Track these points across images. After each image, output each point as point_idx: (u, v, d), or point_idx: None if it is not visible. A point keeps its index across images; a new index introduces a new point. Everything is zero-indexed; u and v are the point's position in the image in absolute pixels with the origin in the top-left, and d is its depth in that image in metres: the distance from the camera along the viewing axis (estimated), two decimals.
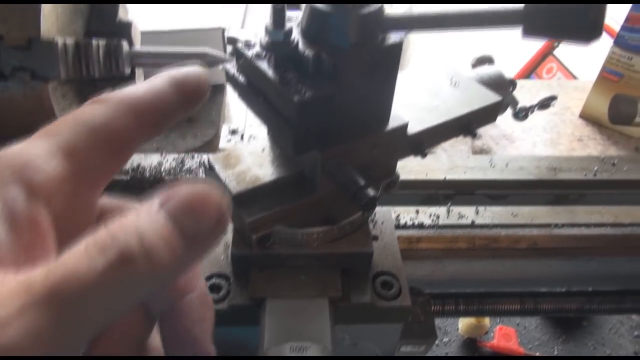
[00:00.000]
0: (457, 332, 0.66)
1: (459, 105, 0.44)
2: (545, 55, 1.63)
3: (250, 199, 0.37)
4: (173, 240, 0.19)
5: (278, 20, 0.32)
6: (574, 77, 1.57)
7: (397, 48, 0.35)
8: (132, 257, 0.18)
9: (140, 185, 0.51)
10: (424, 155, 0.42)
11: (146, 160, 0.53)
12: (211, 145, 0.64)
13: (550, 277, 0.50)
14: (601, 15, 0.27)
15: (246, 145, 0.41)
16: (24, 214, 0.21)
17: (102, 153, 0.25)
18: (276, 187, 0.38)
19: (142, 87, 0.27)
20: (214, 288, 0.39)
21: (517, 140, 0.89)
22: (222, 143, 0.51)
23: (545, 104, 0.55)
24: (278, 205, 0.37)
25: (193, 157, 0.54)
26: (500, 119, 0.92)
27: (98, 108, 0.25)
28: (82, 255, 0.18)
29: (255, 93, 0.36)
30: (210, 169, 0.39)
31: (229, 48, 0.79)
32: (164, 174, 0.52)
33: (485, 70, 0.48)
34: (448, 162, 0.55)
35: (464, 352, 0.64)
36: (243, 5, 1.39)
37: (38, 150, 0.23)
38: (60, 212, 0.23)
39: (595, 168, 0.55)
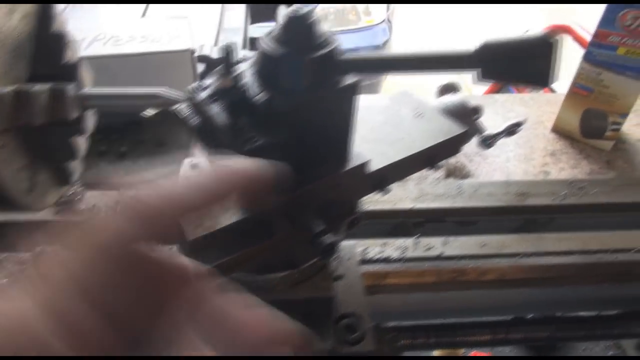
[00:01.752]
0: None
1: (422, 138, 0.43)
2: None
3: (207, 244, 0.36)
4: None
5: (227, 65, 0.31)
6: (550, 88, 1.59)
7: (352, 89, 0.34)
8: None
9: None
10: (385, 192, 0.41)
11: (103, 198, 0.51)
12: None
13: (519, 305, 0.49)
14: (546, 66, 0.27)
15: None
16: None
17: None
18: (234, 231, 0.37)
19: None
20: None
21: (490, 157, 0.89)
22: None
23: (511, 130, 0.55)
24: (235, 251, 0.36)
25: None
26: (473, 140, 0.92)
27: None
28: None
29: (209, 136, 0.35)
30: None
31: (201, 67, 0.76)
32: None
33: (450, 99, 0.47)
34: (416, 190, 0.54)
35: None
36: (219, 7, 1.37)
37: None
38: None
39: (564, 192, 0.55)
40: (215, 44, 1.32)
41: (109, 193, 0.53)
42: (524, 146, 0.95)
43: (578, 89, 0.91)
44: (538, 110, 1.05)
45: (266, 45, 0.32)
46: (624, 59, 0.84)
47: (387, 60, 0.32)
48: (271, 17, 1.47)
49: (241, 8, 1.43)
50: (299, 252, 0.38)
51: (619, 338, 0.61)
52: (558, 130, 0.98)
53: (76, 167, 0.41)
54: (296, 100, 0.32)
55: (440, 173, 0.82)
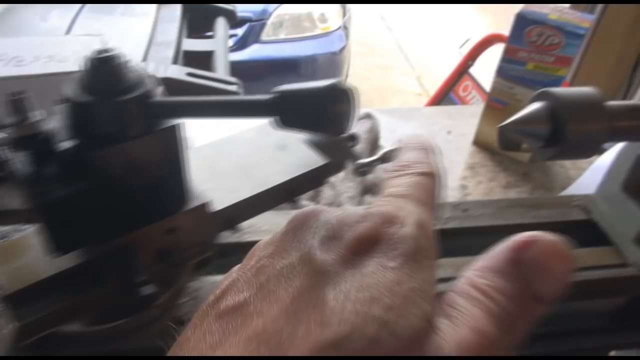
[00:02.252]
0: None
1: (279, 172, 0.42)
2: (460, 74, 1.67)
3: (29, 297, 0.34)
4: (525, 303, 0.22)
5: (19, 112, 0.30)
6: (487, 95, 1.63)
7: (171, 132, 0.32)
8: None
9: None
10: (235, 230, 0.40)
11: None
12: None
13: None
14: (339, 115, 0.26)
15: (33, 234, 0.38)
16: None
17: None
18: (60, 281, 0.35)
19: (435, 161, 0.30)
20: None
21: None
22: None
23: (387, 157, 0.55)
24: (60, 301, 0.34)
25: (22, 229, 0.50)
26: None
27: (432, 183, 0.28)
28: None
29: (16, 183, 0.33)
30: None
31: None
32: None
33: None
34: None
35: None
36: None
37: (430, 222, 0.24)
38: None
39: (447, 216, 0.55)
40: (144, 59, 1.29)
41: None
42: (444, 160, 0.95)
43: (494, 103, 0.93)
44: (462, 122, 1.06)
45: (70, 90, 0.30)
46: (533, 74, 0.85)
47: (192, 105, 0.30)
48: (209, 29, 1.44)
49: (175, 21, 1.41)
50: (130, 305, 0.36)
51: None
52: (479, 143, 0.99)
53: None
54: (105, 147, 0.31)
55: (354, 190, 0.81)
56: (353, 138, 0.50)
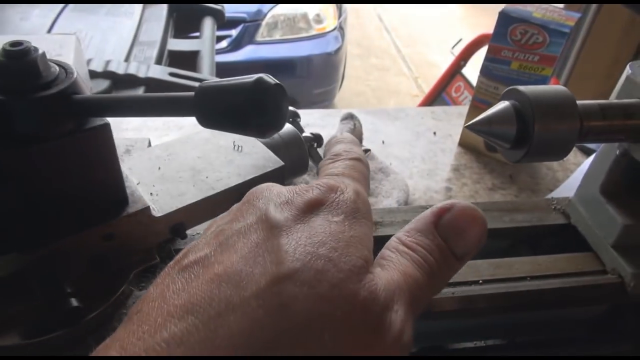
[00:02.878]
0: None
1: (232, 174, 0.40)
2: (452, 75, 1.65)
3: None
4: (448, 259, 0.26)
5: None
6: None
7: (100, 131, 0.30)
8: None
9: None
10: (183, 236, 0.37)
11: None
12: None
13: None
14: (264, 111, 0.24)
15: None
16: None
17: None
18: None
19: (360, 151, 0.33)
20: None
21: (393, 174, 0.87)
22: None
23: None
24: None
25: None
26: (377, 150, 0.90)
27: (363, 165, 0.33)
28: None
29: None
30: None
31: (103, 84, 0.70)
32: None
33: (283, 129, 0.44)
34: None
35: None
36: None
37: (364, 193, 0.30)
38: None
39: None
40: (127, 58, 1.26)
41: None
42: (429, 162, 0.93)
43: (478, 103, 0.90)
44: (448, 124, 1.03)
45: None
46: (517, 73, 0.83)
47: (117, 102, 0.28)
48: (196, 29, 1.41)
49: (161, 21, 1.39)
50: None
51: None
52: (464, 144, 0.96)
53: None
54: (27, 147, 0.28)
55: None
56: (318, 139, 0.48)
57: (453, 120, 1.04)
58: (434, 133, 1.00)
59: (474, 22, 4.56)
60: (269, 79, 0.24)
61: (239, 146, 0.42)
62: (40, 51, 0.28)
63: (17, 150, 0.28)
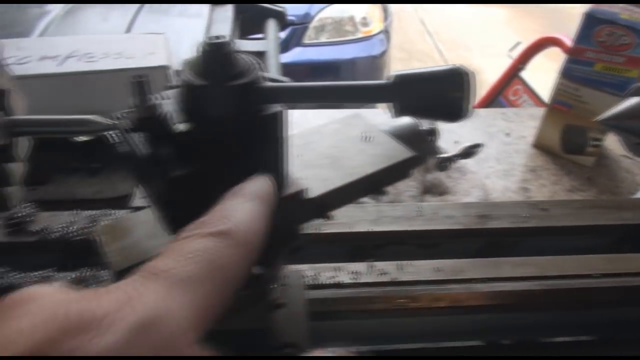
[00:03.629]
0: None
1: (366, 163, 0.42)
2: (510, 77, 1.64)
3: None
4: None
5: (140, 95, 0.31)
6: (539, 99, 1.59)
7: (275, 118, 0.33)
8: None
9: (47, 247, 0.48)
10: (327, 217, 0.40)
11: (56, 219, 0.51)
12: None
13: (474, 331, 0.48)
14: (459, 100, 0.26)
15: (141, 213, 0.39)
16: None
17: (220, 311, 0.21)
18: None
19: (248, 217, 0.24)
20: None
21: (469, 173, 0.88)
22: (137, 200, 0.49)
23: (468, 152, 0.54)
24: None
25: (110, 214, 0.52)
26: (450, 150, 0.91)
27: (224, 249, 0.21)
28: None
29: (133, 164, 0.34)
30: (96, 241, 0.37)
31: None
32: (72, 237, 0.49)
33: (402, 121, 0.46)
34: (375, 211, 0.53)
35: None
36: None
37: (179, 317, 0.18)
38: None
39: (526, 215, 0.53)
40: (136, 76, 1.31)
41: (62, 214, 0.52)
42: (504, 162, 0.93)
43: (557, 105, 0.90)
44: (521, 125, 1.04)
45: (184, 74, 0.31)
46: (601, 75, 0.83)
47: (306, 90, 0.31)
48: (260, 30, 1.47)
49: (228, 22, 1.43)
50: None
51: None
52: (539, 145, 0.97)
53: (14, 192, 0.40)
54: (216, 130, 0.31)
55: (415, 189, 0.81)
56: (433, 132, 0.50)
57: (525, 121, 1.04)
58: (507, 134, 1.01)
59: (518, 26, 4.49)
60: (465, 68, 0.26)
61: (368, 137, 0.45)
62: (234, 45, 0.31)
63: (211, 133, 0.31)
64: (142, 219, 0.39)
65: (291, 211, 0.38)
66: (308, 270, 0.47)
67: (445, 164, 0.48)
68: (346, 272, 0.47)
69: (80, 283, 0.45)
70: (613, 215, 0.55)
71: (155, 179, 0.32)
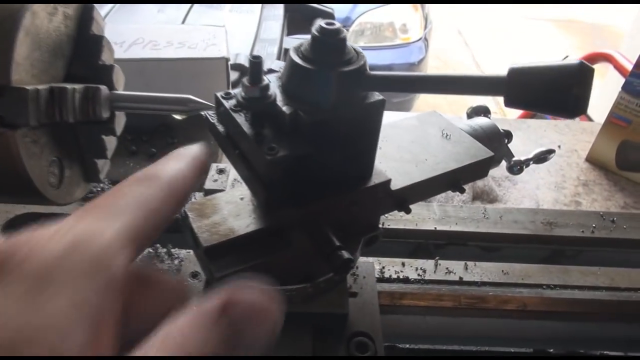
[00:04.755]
0: None
1: (448, 160, 0.42)
2: None
3: (222, 252, 0.36)
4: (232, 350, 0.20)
5: (255, 75, 0.32)
6: (587, 116, 1.56)
7: (378, 107, 0.34)
8: None
9: None
10: (407, 211, 0.40)
11: None
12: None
13: (540, 338, 0.48)
14: (583, 95, 0.26)
15: (225, 194, 0.40)
16: (102, 312, 0.19)
17: (153, 236, 0.24)
18: (250, 240, 0.37)
19: (174, 168, 0.26)
20: None
21: (520, 183, 0.87)
22: (208, 183, 0.50)
23: (542, 157, 0.54)
24: (250, 260, 0.36)
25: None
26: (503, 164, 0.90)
27: (150, 189, 0.24)
28: None
29: (232, 144, 0.35)
30: (184, 218, 0.38)
31: (234, 76, 0.77)
32: None
33: (479, 121, 0.46)
34: (439, 211, 0.53)
35: None
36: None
37: (109, 237, 0.21)
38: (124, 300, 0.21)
39: (594, 225, 0.53)
40: (251, 53, 1.34)
41: None
42: (555, 174, 0.92)
43: (616, 120, 0.89)
44: (572, 138, 1.02)
45: (295, 57, 0.32)
46: None
47: (414, 80, 0.31)
48: (307, 29, 1.48)
49: (278, 20, 1.45)
50: (314, 266, 0.37)
51: None
52: (592, 160, 0.95)
53: (104, 165, 0.42)
54: (321, 115, 0.32)
55: (466, 195, 0.80)
56: (509, 135, 0.50)
57: (577, 135, 1.03)
58: (559, 146, 0.99)
59: (558, 42, 4.42)
60: (588, 64, 0.27)
61: (447, 134, 0.45)
62: (345, 33, 0.32)
63: (317, 117, 0.32)
64: (227, 199, 0.40)
65: (375, 201, 0.38)
66: (374, 264, 0.47)
67: (518, 167, 0.48)
68: (412, 268, 0.47)
69: (155, 259, 0.46)
70: None
71: (258, 158, 0.32)
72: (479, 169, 0.43)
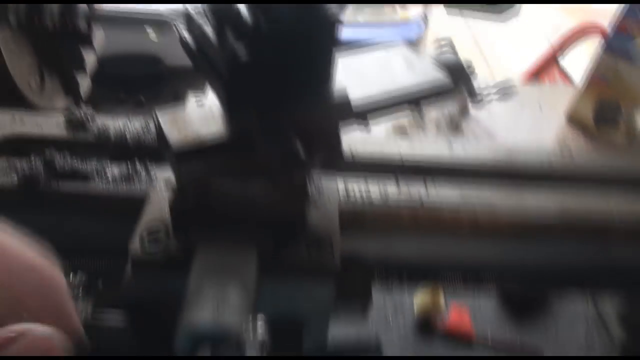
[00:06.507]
0: (413, 313, 0.67)
1: (408, 81, 0.45)
2: (547, 64, 1.62)
3: (191, 156, 0.39)
4: None
5: None
6: (570, 79, 1.57)
7: (336, 19, 0.36)
8: None
9: (104, 148, 0.53)
10: (367, 125, 0.43)
11: (112, 122, 0.55)
12: None
13: (496, 254, 0.51)
14: None
15: (196, 106, 0.43)
16: None
17: None
18: (218, 146, 0.39)
19: None
20: (153, 237, 0.41)
21: (499, 136, 0.89)
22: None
23: (504, 90, 0.55)
24: (216, 160, 0.39)
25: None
26: (483, 117, 0.93)
27: None
28: None
29: (199, 51, 0.38)
30: (157, 127, 0.40)
31: None
32: (128, 137, 0.54)
33: (444, 55, 0.49)
34: (406, 142, 0.56)
35: (419, 332, 0.65)
36: None
37: None
38: None
39: (552, 158, 0.56)
40: None
41: (118, 117, 0.57)
42: (532, 131, 0.95)
43: (594, 79, 0.91)
44: (553, 98, 1.04)
45: None
46: None
47: None
48: None
49: None
50: (277, 170, 0.40)
51: (594, 294, 0.64)
52: (572, 120, 0.97)
53: (83, 81, 0.44)
54: (282, 23, 0.35)
55: (433, 126, 0.83)
56: (470, 67, 0.52)
57: (558, 96, 1.05)
58: (540, 107, 1.01)
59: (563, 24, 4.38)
60: None
61: (411, 62, 0.47)
62: None
63: (277, 26, 0.34)
64: (197, 111, 0.42)
65: (335, 114, 0.41)
66: (336, 183, 0.50)
67: (480, 97, 0.51)
68: (375, 190, 0.50)
69: (134, 175, 0.49)
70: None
71: (221, 62, 0.35)
72: (438, 93, 0.46)
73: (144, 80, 0.93)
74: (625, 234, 0.48)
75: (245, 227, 0.40)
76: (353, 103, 0.42)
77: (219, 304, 0.34)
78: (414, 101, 0.45)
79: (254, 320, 0.33)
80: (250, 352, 0.31)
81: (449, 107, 0.94)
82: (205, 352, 0.34)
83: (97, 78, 0.59)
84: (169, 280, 0.41)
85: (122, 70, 0.91)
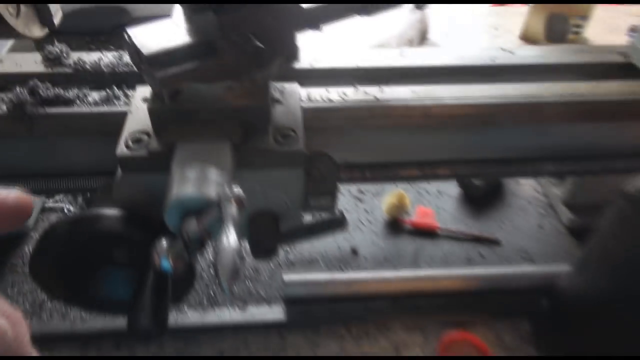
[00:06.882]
0: (381, 214, 0.73)
1: None
2: None
3: (162, 60, 0.43)
4: None
5: None
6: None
7: None
8: None
9: (82, 78, 0.57)
10: (319, 29, 0.48)
11: (87, 56, 0.59)
12: None
13: (447, 145, 0.57)
14: None
15: (163, 21, 0.47)
16: None
17: None
18: (185, 50, 0.44)
19: None
20: (136, 141, 0.46)
21: None
22: None
23: None
24: (185, 64, 0.43)
25: None
26: (438, 40, 0.97)
27: None
28: None
29: None
30: (128, 38, 0.45)
31: None
32: (103, 67, 0.58)
33: None
34: (359, 53, 0.61)
35: (388, 230, 0.72)
36: None
37: None
38: None
39: (496, 55, 0.61)
40: None
41: (94, 53, 0.61)
42: None
43: None
44: (508, 20, 1.10)
45: None
46: None
47: None
48: None
49: None
50: (241, 69, 0.45)
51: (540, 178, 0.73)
52: (525, 37, 1.03)
53: (57, 12, 0.47)
54: None
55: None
56: None
57: (513, 17, 1.10)
58: (495, 28, 1.07)
59: None
60: None
61: None
62: None
63: None
64: (166, 24, 0.46)
65: (289, 16, 0.46)
66: (301, 90, 0.55)
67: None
68: (335, 92, 0.55)
69: (113, 99, 0.54)
70: (574, 55, 0.62)
71: None
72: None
73: (113, 32, 0.95)
74: (558, 115, 0.55)
75: (216, 122, 0.46)
76: (302, 7, 0.46)
77: (200, 180, 0.40)
78: (363, 8, 0.49)
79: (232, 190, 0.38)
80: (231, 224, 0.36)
81: (409, 32, 0.99)
82: (191, 223, 0.39)
83: (64, 31, 0.63)
84: (154, 177, 0.46)
85: (90, 22, 0.94)
